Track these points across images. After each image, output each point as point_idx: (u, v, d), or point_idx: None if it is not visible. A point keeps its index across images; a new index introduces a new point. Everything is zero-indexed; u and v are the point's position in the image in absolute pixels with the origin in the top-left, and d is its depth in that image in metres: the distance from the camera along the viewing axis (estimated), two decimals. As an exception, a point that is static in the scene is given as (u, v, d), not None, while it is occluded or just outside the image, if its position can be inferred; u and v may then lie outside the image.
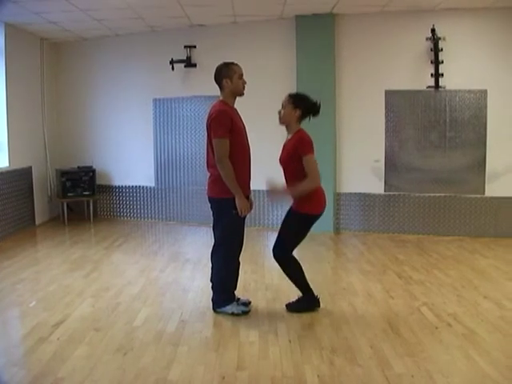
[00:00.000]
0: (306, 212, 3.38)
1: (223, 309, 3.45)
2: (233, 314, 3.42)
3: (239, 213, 3.29)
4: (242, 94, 3.41)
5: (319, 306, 3.57)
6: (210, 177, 3.42)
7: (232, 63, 3.38)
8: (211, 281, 3.52)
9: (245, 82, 3.39)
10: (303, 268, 3.55)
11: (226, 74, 3.31)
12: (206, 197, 3.47)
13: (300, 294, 3.60)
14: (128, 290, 4.05)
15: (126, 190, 7.08)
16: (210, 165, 3.37)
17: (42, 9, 5.36)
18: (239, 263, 3.58)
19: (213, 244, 3.51)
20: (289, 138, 3.49)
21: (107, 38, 6.85)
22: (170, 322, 3.37)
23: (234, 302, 3.48)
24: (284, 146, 3.51)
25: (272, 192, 3.53)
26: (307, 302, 3.55)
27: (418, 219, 5.98)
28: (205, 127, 3.36)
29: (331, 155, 5.96)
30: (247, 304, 3.58)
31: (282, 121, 3.48)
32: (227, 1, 5.36)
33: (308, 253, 5.24)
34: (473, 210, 5.82)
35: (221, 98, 3.38)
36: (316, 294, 3.57)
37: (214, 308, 3.50)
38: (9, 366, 2.72)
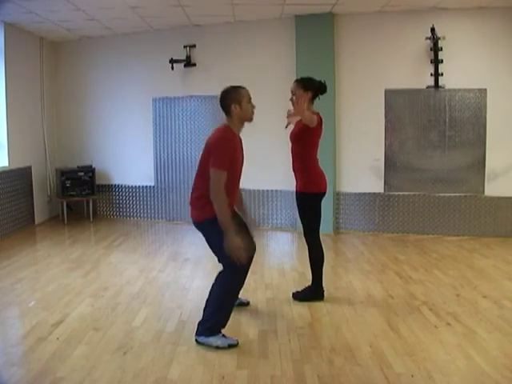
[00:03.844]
0: (309, 191, 3.62)
1: (206, 339, 2.99)
2: (217, 347, 2.95)
3: (228, 252, 2.83)
4: (251, 120, 3.12)
5: (323, 298, 3.74)
6: (192, 201, 3.07)
7: (239, 86, 3.09)
8: (206, 305, 3.09)
9: (254, 107, 3.11)
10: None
11: (235, 99, 3.01)
12: (193, 223, 3.06)
13: (307, 284, 3.83)
14: (127, 289, 4.05)
15: (125, 189, 7.08)
16: (197, 187, 3.06)
17: (41, 8, 5.35)
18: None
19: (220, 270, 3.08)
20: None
21: (107, 37, 6.84)
22: (169, 321, 3.37)
23: (219, 334, 3.00)
24: (296, 123, 3.71)
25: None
26: (313, 292, 3.74)
27: (417, 219, 5.98)
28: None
29: (331, 155, 5.96)
30: (245, 304, 3.58)
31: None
32: (227, 0, 5.36)
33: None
34: (472, 210, 5.82)
35: (226, 123, 3.07)
36: (323, 288, 3.77)
37: (196, 338, 3.04)
38: (8, 366, 2.71)
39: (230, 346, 2.96)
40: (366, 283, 4.17)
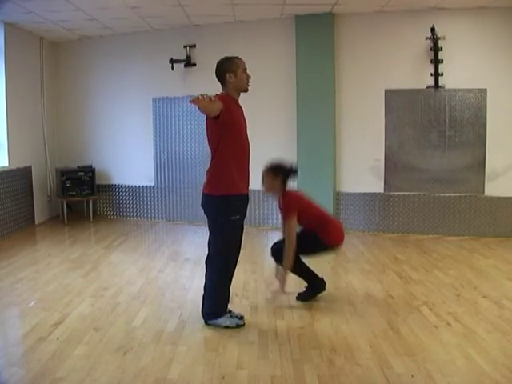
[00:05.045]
0: (325, 242, 3.64)
1: (215, 321, 3.23)
2: (226, 327, 3.20)
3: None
4: (246, 90, 3.19)
5: (325, 287, 3.76)
6: (207, 171, 3.18)
7: (234, 57, 3.19)
8: (204, 290, 3.31)
9: (249, 77, 3.19)
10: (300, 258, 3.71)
11: (230, 68, 3.10)
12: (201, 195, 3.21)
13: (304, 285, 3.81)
14: (127, 289, 4.05)
15: (125, 189, 7.08)
16: (210, 164, 3.18)
17: (41, 8, 5.36)
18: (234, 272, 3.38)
19: (207, 252, 3.28)
20: (279, 200, 3.72)
21: (107, 36, 6.84)
22: (169, 321, 3.37)
23: (227, 314, 3.26)
24: (278, 206, 3.72)
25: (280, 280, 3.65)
26: (313, 288, 3.75)
27: (417, 219, 5.97)
28: (204, 126, 3.17)
29: (331, 155, 5.96)
30: (240, 317, 3.31)
31: (267, 191, 3.72)
32: (227, 1, 5.36)
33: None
34: (472, 210, 5.82)
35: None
36: (321, 276, 3.76)
37: (205, 320, 3.28)
38: (8, 366, 2.71)
39: (238, 326, 3.21)
40: (365, 283, 4.17)
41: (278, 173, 3.61)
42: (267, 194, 3.77)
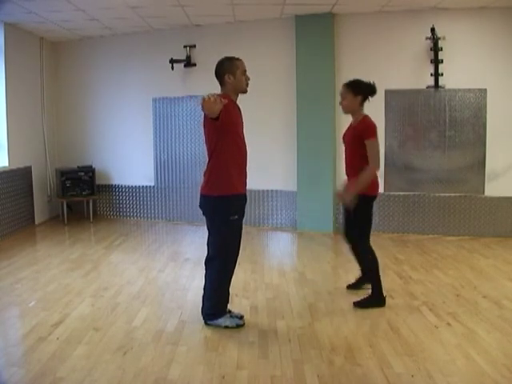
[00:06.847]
0: (364, 194, 3.55)
1: (215, 321, 3.25)
2: (226, 327, 3.22)
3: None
4: (244, 92, 3.19)
5: (385, 304, 3.62)
6: (205, 172, 3.18)
7: (235, 58, 3.18)
8: (204, 291, 3.32)
9: (248, 79, 3.19)
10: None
11: (229, 69, 3.10)
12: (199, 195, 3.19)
13: (368, 292, 3.69)
14: (127, 289, 4.05)
15: (125, 189, 7.08)
16: (209, 164, 3.15)
17: (41, 8, 5.36)
18: (233, 272, 3.35)
19: (207, 253, 3.27)
20: (354, 121, 3.67)
21: (107, 37, 6.84)
22: (169, 321, 3.37)
23: (227, 314, 3.28)
24: (350, 127, 3.72)
25: (341, 195, 3.68)
26: (376, 301, 3.61)
27: (417, 219, 5.97)
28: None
29: (331, 155, 5.95)
30: (240, 317, 3.34)
31: (346, 110, 3.68)
32: (227, 1, 5.36)
33: (308, 252, 5.26)
34: (472, 210, 5.82)
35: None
36: (385, 294, 3.66)
37: (205, 321, 3.30)
38: (8, 366, 2.71)
39: (238, 326, 3.23)
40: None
41: (359, 91, 3.58)
42: (345, 112, 3.69)
